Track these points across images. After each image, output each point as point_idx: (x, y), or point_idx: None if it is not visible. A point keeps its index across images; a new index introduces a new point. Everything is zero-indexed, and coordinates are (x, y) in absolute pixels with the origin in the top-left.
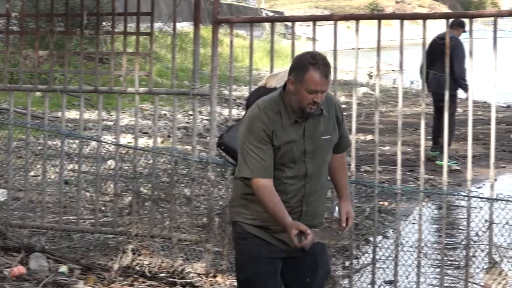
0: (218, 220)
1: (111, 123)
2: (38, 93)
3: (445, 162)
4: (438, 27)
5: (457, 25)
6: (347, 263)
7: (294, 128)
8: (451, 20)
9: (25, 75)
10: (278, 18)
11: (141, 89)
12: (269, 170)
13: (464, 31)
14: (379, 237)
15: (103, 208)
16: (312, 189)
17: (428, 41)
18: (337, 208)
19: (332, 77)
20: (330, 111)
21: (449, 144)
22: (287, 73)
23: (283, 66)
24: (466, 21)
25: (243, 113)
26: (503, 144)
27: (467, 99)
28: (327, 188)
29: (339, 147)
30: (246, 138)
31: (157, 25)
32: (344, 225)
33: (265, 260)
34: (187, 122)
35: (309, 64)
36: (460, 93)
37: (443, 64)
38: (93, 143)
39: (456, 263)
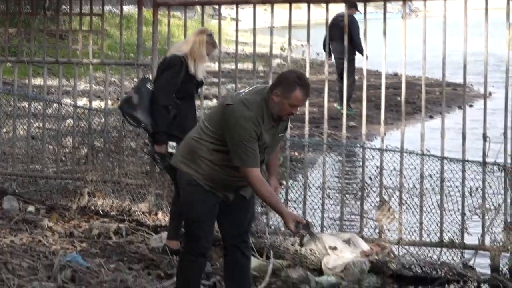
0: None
1: (69, 89)
2: (8, 64)
3: (344, 114)
4: (337, 9)
5: (351, 7)
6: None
7: (269, 131)
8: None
9: None
10: (207, 2)
11: (95, 60)
12: (258, 160)
13: (357, 11)
14: (291, 181)
15: (63, 158)
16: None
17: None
18: None
19: (252, 50)
20: None
21: (350, 96)
22: (179, 44)
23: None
24: (360, 4)
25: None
26: (391, 105)
27: (361, 68)
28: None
29: None
30: (239, 134)
31: (107, 7)
32: None
33: (209, 204)
34: (132, 88)
35: (296, 84)
36: (358, 58)
37: (343, 36)
38: (55, 105)
39: (353, 201)
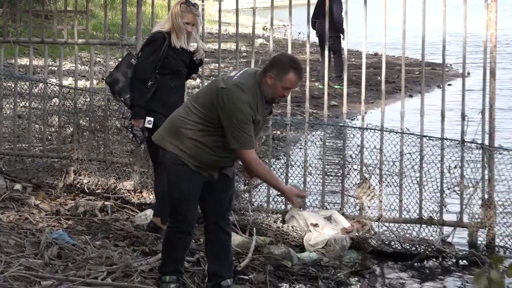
0: (143, 146)
1: (55, 68)
2: None
3: (325, 88)
4: None
5: None
6: (247, 180)
7: (262, 114)
8: None
9: None
10: None
11: (80, 41)
12: (253, 141)
13: None
14: (273, 159)
15: (49, 137)
16: None
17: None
18: None
19: (235, 31)
20: None
21: (341, 73)
22: (163, 22)
23: None
24: None
25: None
26: (371, 84)
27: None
28: None
29: None
30: (236, 117)
31: None
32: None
33: (195, 183)
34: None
35: (290, 67)
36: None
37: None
38: (41, 85)
39: (335, 179)
